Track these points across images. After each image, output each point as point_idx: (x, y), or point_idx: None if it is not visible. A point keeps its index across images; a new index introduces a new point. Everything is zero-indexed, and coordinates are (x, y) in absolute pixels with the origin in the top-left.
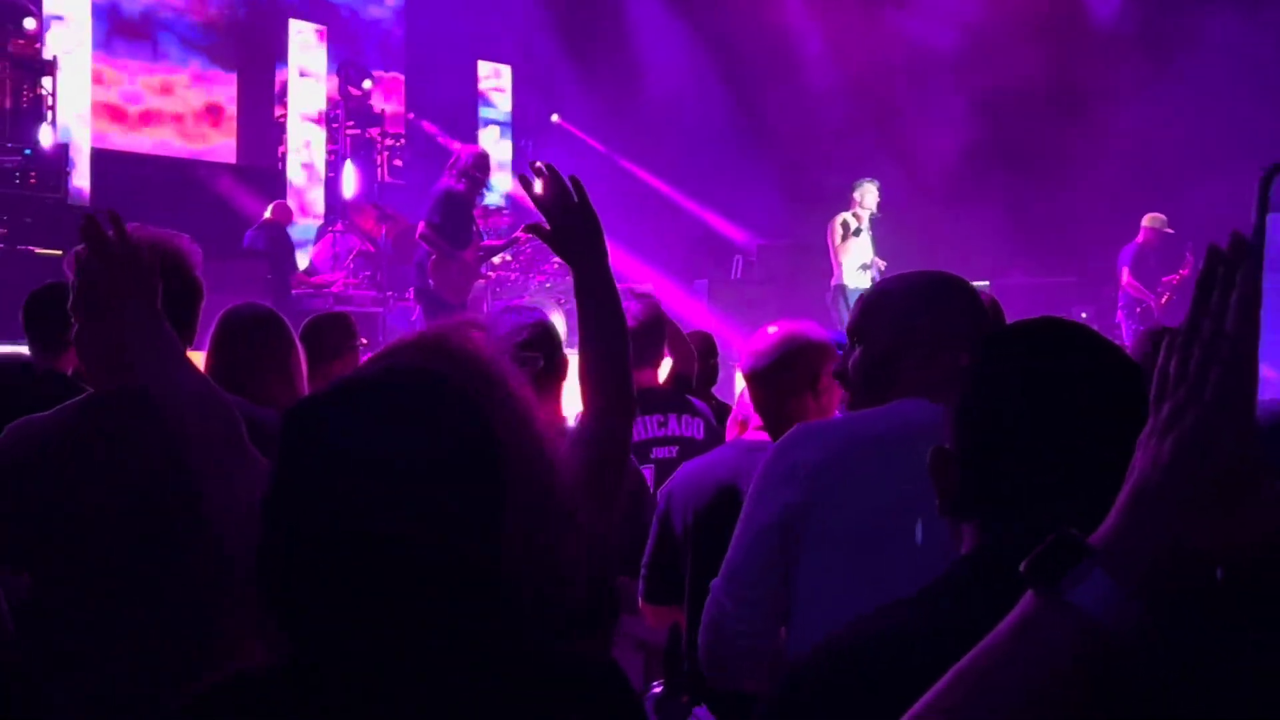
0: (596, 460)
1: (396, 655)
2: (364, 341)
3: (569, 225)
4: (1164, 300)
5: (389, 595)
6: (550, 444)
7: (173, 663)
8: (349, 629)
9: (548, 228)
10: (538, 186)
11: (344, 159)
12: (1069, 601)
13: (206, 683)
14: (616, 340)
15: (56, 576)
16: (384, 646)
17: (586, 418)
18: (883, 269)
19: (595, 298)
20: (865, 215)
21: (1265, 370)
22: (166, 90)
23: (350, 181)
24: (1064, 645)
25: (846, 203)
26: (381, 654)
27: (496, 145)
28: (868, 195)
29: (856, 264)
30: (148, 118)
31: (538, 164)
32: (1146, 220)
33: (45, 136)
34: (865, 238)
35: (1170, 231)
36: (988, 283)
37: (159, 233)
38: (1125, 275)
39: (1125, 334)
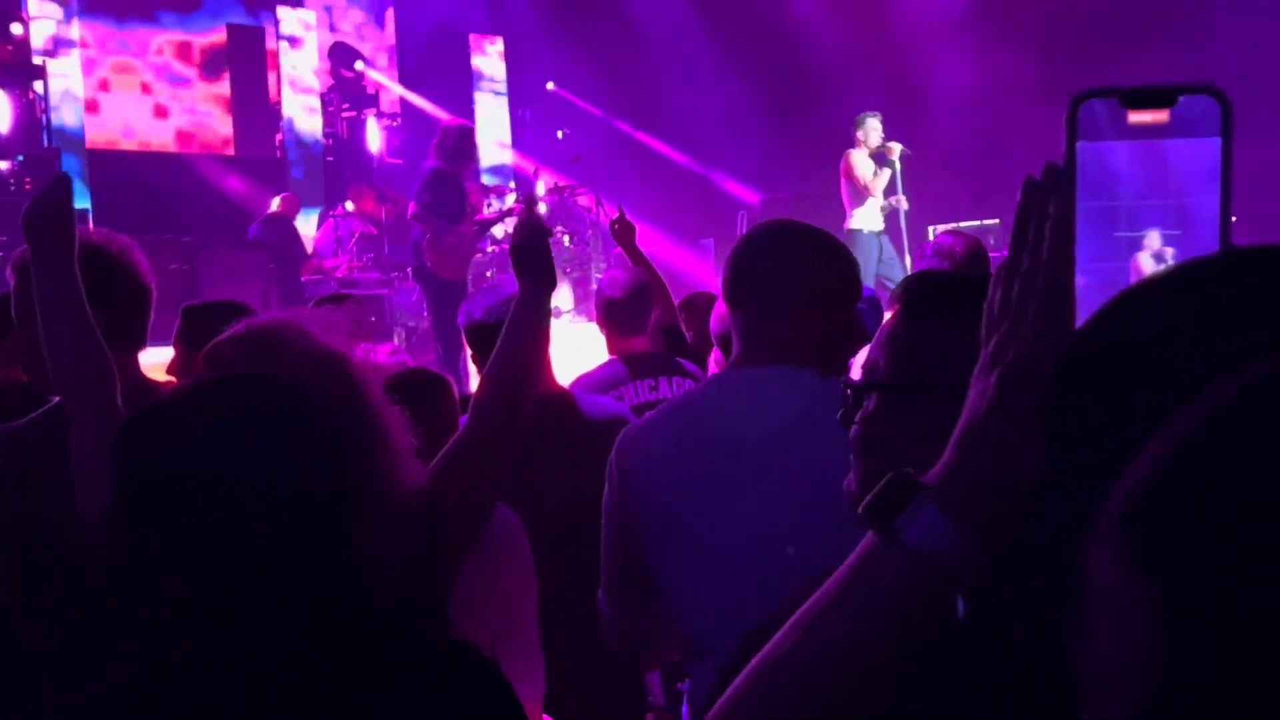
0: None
1: (248, 671)
2: (373, 319)
3: (533, 246)
4: None
5: (232, 616)
6: (396, 445)
7: None
8: (193, 646)
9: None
10: (541, 208)
11: (341, 142)
12: (902, 539)
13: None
14: (527, 363)
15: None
16: (232, 662)
17: (473, 417)
18: (906, 209)
19: (529, 323)
20: (875, 150)
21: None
22: (161, 85)
23: (374, 138)
24: (897, 581)
25: (849, 141)
26: (231, 668)
27: (494, 117)
28: (872, 133)
29: (874, 206)
30: (143, 114)
31: (541, 206)
32: None
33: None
34: (886, 176)
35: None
36: (998, 220)
37: (105, 234)
38: None
39: None
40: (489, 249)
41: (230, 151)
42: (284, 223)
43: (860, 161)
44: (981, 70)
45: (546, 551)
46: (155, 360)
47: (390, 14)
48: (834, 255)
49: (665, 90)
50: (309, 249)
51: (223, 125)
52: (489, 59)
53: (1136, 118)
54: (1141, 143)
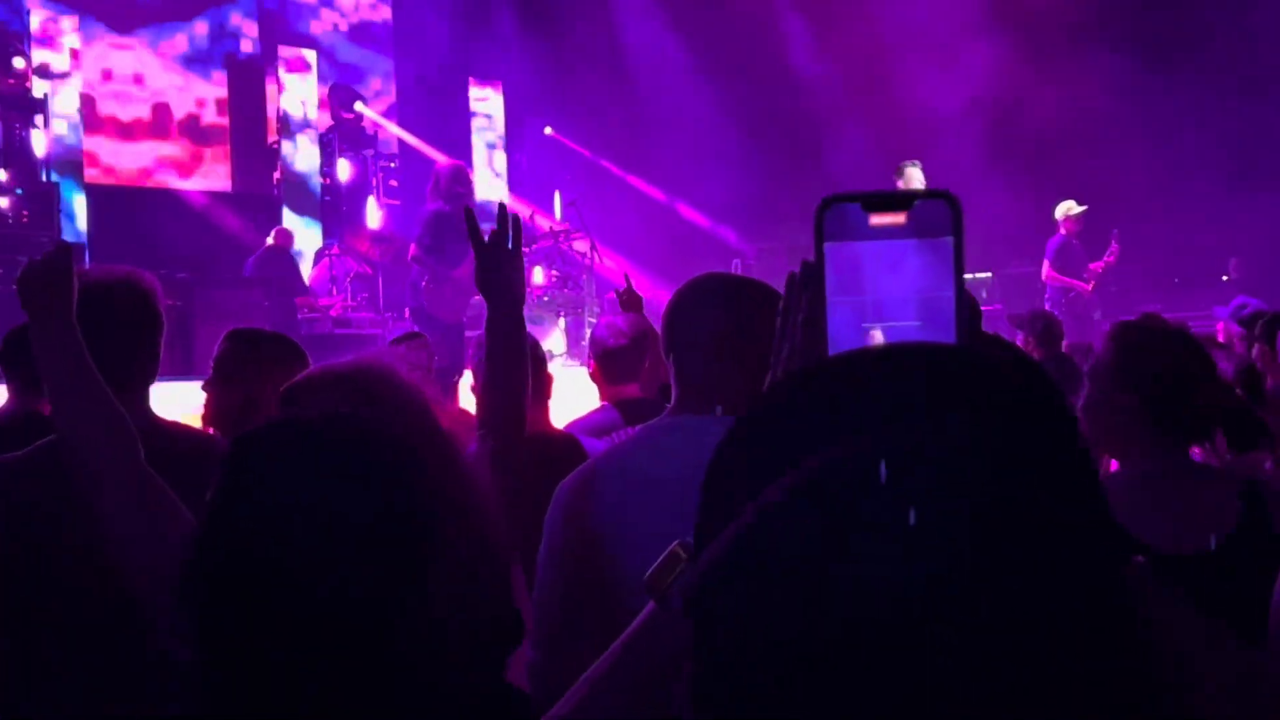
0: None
1: (312, 704)
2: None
3: (498, 257)
4: (1092, 286)
5: (303, 648)
6: (480, 493)
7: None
8: (266, 675)
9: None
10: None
11: (338, 182)
12: (673, 605)
13: None
14: (515, 376)
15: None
16: (298, 695)
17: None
18: None
19: (504, 334)
20: None
21: None
22: (159, 121)
23: (374, 215)
24: (670, 642)
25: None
26: (296, 700)
27: (491, 162)
28: (914, 181)
29: None
30: (141, 150)
31: (501, 204)
32: (1059, 213)
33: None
34: None
35: (1084, 207)
36: (990, 274)
37: (112, 268)
38: (1046, 269)
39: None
40: None
41: (227, 188)
42: (282, 255)
43: None
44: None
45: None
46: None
47: (391, 56)
48: (754, 304)
49: (662, 138)
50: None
51: (220, 162)
52: (487, 104)
53: (877, 220)
54: (887, 242)
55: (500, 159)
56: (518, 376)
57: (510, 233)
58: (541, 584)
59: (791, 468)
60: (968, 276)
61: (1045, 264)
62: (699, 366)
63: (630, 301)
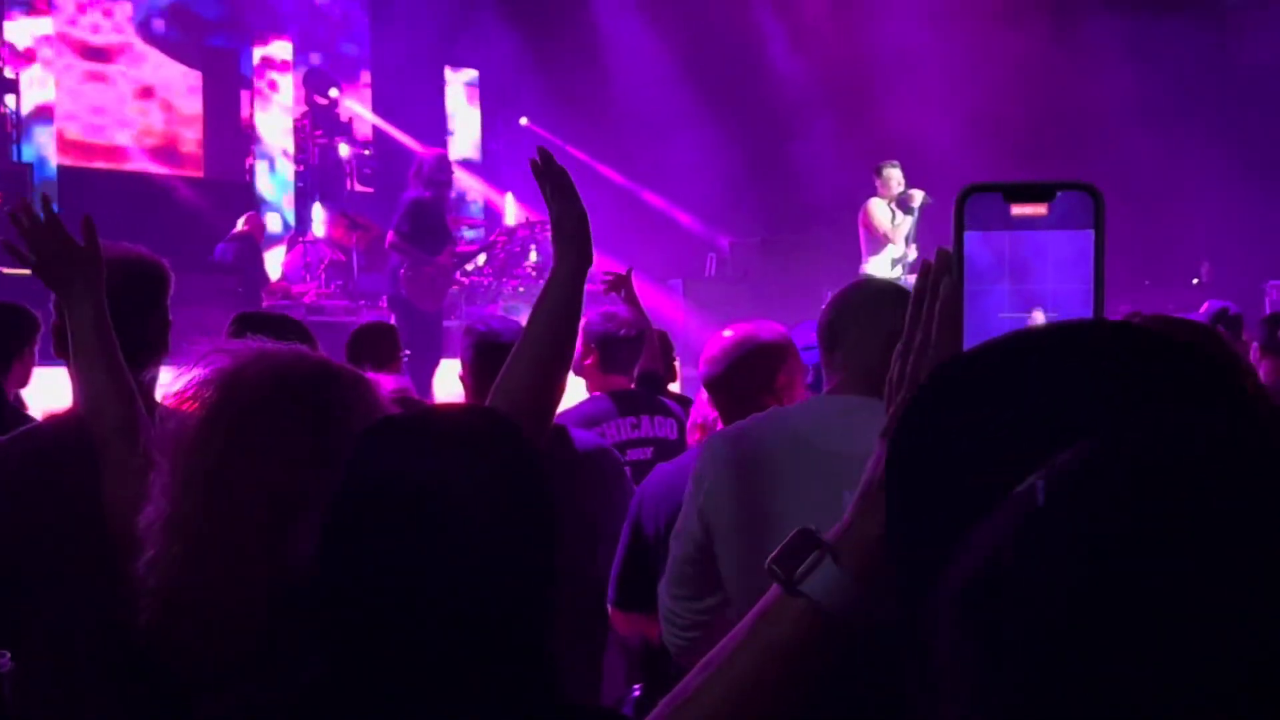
0: None
1: (436, 693)
2: (407, 353)
3: (571, 213)
4: None
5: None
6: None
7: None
8: (395, 660)
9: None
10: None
11: (312, 169)
12: (800, 589)
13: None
14: (566, 352)
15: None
16: (423, 685)
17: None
18: (913, 259)
19: (567, 294)
20: (897, 198)
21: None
22: (131, 105)
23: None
24: (796, 627)
25: (867, 189)
26: (419, 689)
27: (467, 151)
28: (892, 181)
29: (891, 256)
30: (114, 134)
31: (542, 154)
32: None
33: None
34: (907, 224)
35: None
36: None
37: (129, 249)
38: None
39: None
40: (463, 280)
41: (199, 174)
42: (249, 243)
43: (879, 210)
44: (961, 119)
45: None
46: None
47: (367, 42)
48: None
49: (638, 130)
50: (275, 273)
51: (193, 147)
52: (463, 91)
53: (1019, 210)
54: (1026, 232)
55: (475, 149)
56: (567, 353)
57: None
58: (683, 538)
59: (1030, 451)
60: None
61: None
62: (876, 356)
63: (628, 292)
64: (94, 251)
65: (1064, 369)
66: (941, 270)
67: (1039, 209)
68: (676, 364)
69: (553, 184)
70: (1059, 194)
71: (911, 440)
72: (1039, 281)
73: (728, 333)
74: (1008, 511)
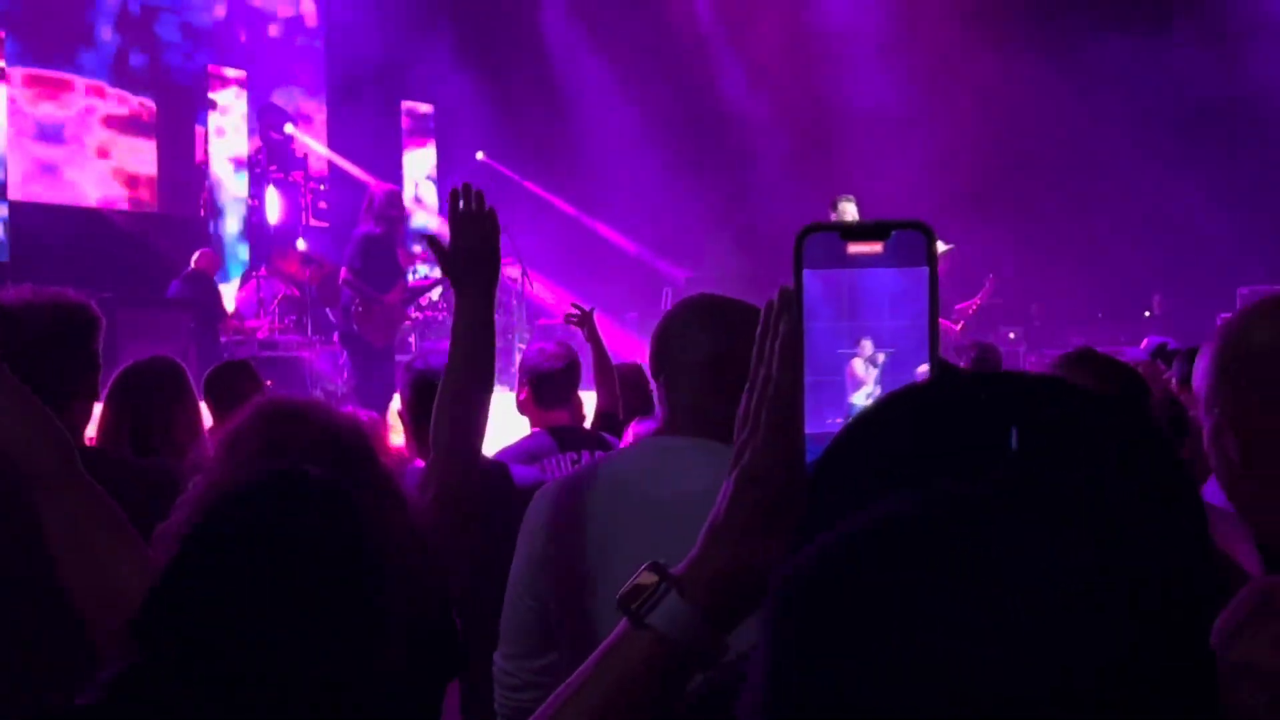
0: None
1: None
2: (269, 383)
3: (472, 249)
4: (960, 327)
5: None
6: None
7: None
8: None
9: (447, 245)
10: (460, 204)
11: (265, 204)
12: (647, 622)
13: None
14: (481, 389)
15: None
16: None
17: (431, 457)
18: None
19: (474, 332)
20: None
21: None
22: (85, 139)
23: (274, 208)
24: (644, 660)
25: (824, 216)
26: None
27: (422, 185)
28: (846, 214)
29: None
30: (66, 168)
31: (467, 186)
32: None
33: None
34: None
35: (950, 246)
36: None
37: (58, 293)
38: None
39: None
40: (414, 315)
41: (154, 208)
42: (204, 279)
43: None
44: (916, 155)
45: (480, 620)
46: None
47: (322, 76)
48: (745, 327)
49: (593, 165)
50: (230, 307)
51: (147, 181)
52: (419, 125)
53: (855, 249)
54: (863, 270)
55: (429, 185)
56: (484, 389)
57: (475, 196)
58: (515, 594)
59: (897, 487)
60: None
61: None
62: (691, 390)
63: (590, 331)
64: (497, 254)
65: (933, 418)
66: (782, 308)
67: (875, 247)
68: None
69: (465, 219)
70: (894, 233)
71: (815, 476)
72: (877, 318)
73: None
74: (840, 531)
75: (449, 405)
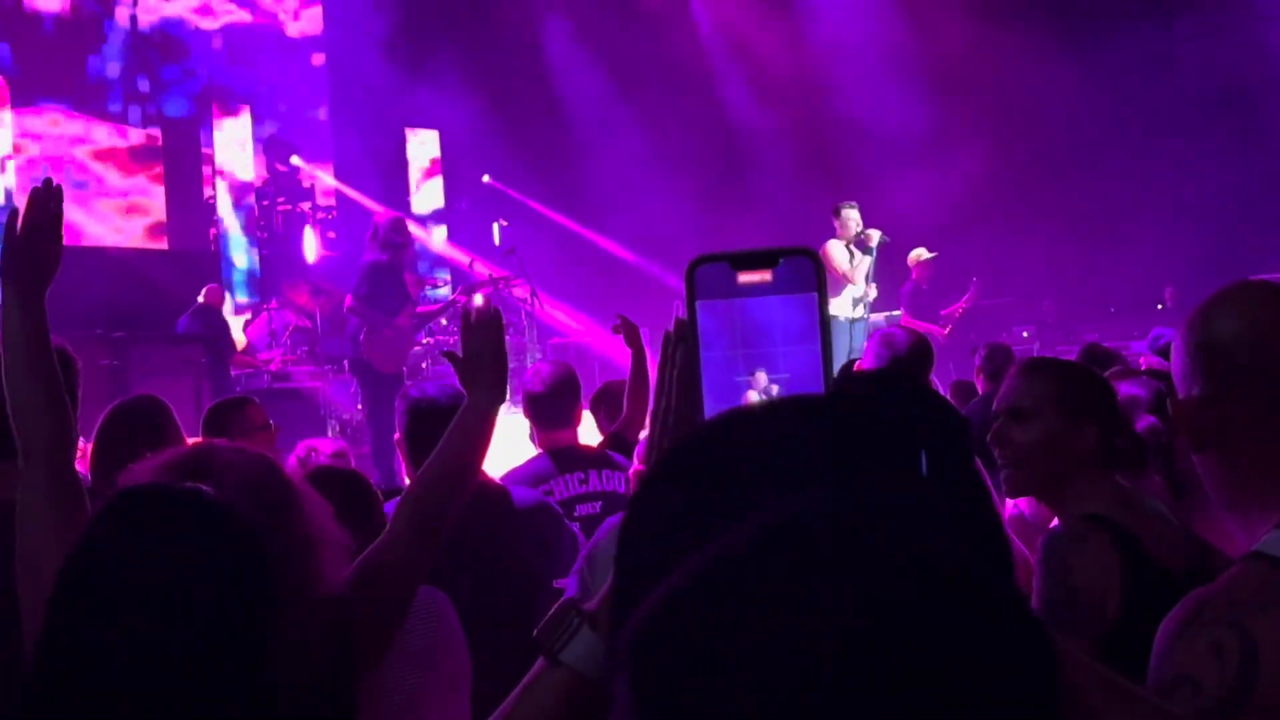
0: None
1: None
2: (271, 422)
3: (480, 354)
4: (947, 331)
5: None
6: (322, 566)
7: None
8: None
9: (460, 355)
10: (476, 302)
11: (276, 236)
12: (560, 658)
13: None
14: (463, 472)
15: None
16: None
17: (387, 537)
18: (873, 298)
19: (477, 430)
20: (855, 238)
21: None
22: (93, 178)
23: (311, 248)
24: (558, 694)
25: (829, 230)
26: None
27: (430, 211)
28: (850, 222)
29: (851, 295)
30: (74, 208)
31: (477, 298)
32: (910, 260)
33: None
34: (865, 264)
35: (934, 254)
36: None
37: None
38: (903, 317)
39: None
40: (425, 341)
41: (163, 245)
42: (213, 314)
43: (836, 251)
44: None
45: (482, 636)
46: None
47: (327, 107)
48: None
49: (600, 183)
50: (240, 340)
51: (156, 219)
52: (425, 152)
53: (746, 278)
54: (755, 299)
55: (437, 208)
56: (471, 470)
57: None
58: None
59: (715, 525)
60: (884, 315)
61: (902, 311)
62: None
63: (635, 345)
64: (503, 353)
65: (759, 447)
66: (678, 339)
67: (764, 275)
68: None
69: (476, 328)
70: (781, 260)
71: (636, 509)
72: (770, 344)
73: None
74: (684, 570)
75: (433, 491)
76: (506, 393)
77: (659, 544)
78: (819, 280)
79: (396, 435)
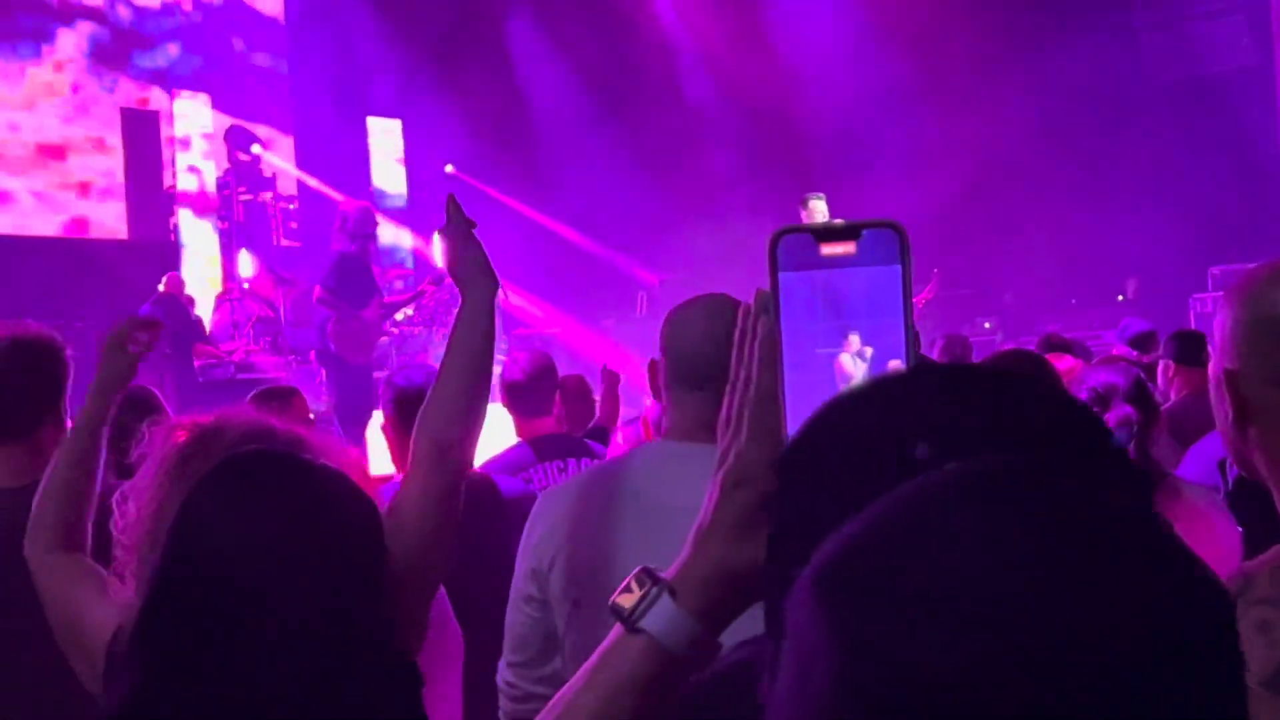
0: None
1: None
2: (312, 415)
3: (464, 256)
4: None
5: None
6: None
7: None
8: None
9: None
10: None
11: (237, 225)
12: (640, 626)
13: None
14: (481, 388)
15: None
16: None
17: (408, 477)
18: None
19: (480, 328)
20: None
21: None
22: (52, 167)
23: (247, 266)
24: (637, 664)
25: (795, 220)
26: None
27: (392, 200)
28: (816, 213)
29: None
30: (30, 197)
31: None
32: None
33: None
34: None
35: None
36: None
37: (19, 324)
38: None
39: None
40: (393, 330)
41: (123, 235)
42: (174, 302)
43: None
44: (890, 154)
45: (474, 623)
46: None
47: (288, 96)
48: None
49: (564, 173)
50: (205, 328)
51: (115, 209)
52: (388, 141)
53: (829, 250)
54: (837, 270)
55: (400, 198)
56: (484, 381)
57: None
58: (517, 602)
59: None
60: None
61: None
62: (696, 395)
63: (608, 378)
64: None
65: (912, 404)
66: (759, 311)
67: (847, 248)
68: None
69: (452, 229)
70: (865, 233)
71: (789, 466)
72: (852, 317)
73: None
74: (869, 513)
75: (446, 406)
76: (498, 280)
77: (824, 499)
78: (903, 253)
79: (383, 424)
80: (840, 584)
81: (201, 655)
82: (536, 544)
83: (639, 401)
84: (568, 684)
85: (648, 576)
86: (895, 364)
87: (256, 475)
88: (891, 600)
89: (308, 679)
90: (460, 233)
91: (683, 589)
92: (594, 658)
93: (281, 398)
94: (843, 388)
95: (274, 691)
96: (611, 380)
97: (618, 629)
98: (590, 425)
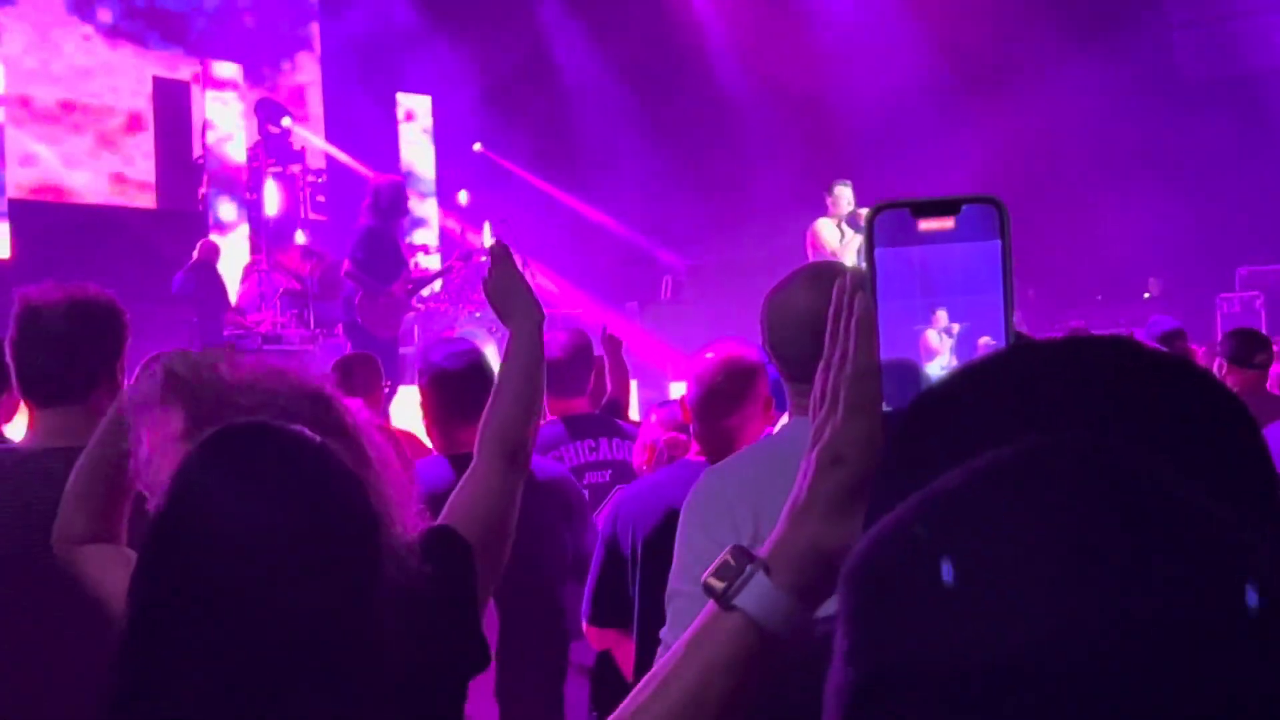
0: (486, 515)
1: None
2: (388, 384)
3: (507, 287)
4: None
5: (248, 665)
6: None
7: None
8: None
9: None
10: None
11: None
12: (734, 604)
13: None
14: (531, 402)
15: None
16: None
17: (478, 474)
18: None
19: (530, 354)
20: (847, 216)
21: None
22: (84, 137)
23: (273, 201)
24: (732, 641)
25: (821, 208)
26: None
27: (420, 176)
28: (842, 200)
29: None
30: (65, 167)
31: (486, 237)
32: None
33: None
34: (856, 242)
35: None
36: None
37: (79, 286)
38: None
39: None
40: (419, 306)
41: (153, 205)
42: (208, 270)
43: (826, 230)
44: (917, 143)
45: (513, 607)
46: None
47: (318, 70)
48: None
49: (592, 154)
50: (233, 298)
51: (146, 178)
52: (417, 117)
53: (927, 225)
54: (935, 246)
55: (429, 174)
56: (539, 391)
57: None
58: (683, 580)
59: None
60: None
61: None
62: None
63: (610, 344)
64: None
65: (1007, 383)
66: (855, 287)
67: (946, 223)
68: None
69: (498, 268)
70: (964, 208)
71: (888, 449)
72: (950, 293)
73: (710, 354)
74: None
75: (510, 409)
76: (542, 311)
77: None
78: (1003, 229)
79: (421, 400)
80: (862, 575)
81: (183, 646)
82: (701, 524)
83: (658, 384)
84: (660, 661)
85: (741, 553)
86: (986, 340)
87: (248, 454)
88: (909, 594)
89: (283, 685)
90: (506, 270)
91: (777, 566)
92: (687, 635)
93: (366, 363)
94: (928, 365)
95: (250, 691)
96: (614, 346)
97: (710, 607)
98: (604, 400)
